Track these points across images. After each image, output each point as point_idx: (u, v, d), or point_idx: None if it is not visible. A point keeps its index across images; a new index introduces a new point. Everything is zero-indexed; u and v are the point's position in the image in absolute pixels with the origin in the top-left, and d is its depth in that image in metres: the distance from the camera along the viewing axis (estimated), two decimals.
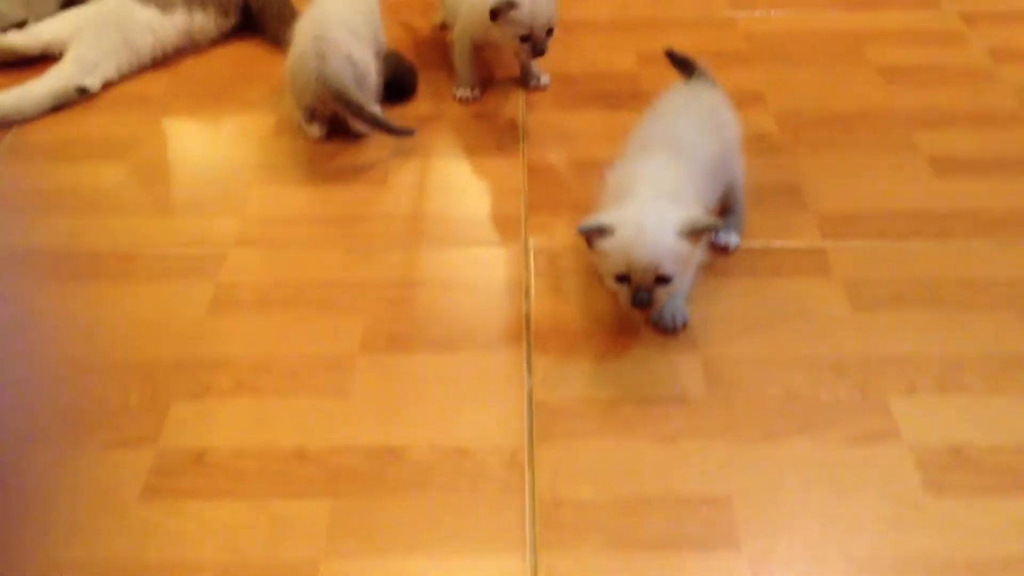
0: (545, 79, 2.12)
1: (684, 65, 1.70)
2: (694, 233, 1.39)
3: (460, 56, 2.07)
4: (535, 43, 1.96)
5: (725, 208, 1.67)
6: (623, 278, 1.41)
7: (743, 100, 1.77)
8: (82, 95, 2.06)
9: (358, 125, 1.93)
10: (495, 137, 1.95)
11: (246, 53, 2.24)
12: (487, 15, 1.92)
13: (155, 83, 2.13)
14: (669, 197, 1.44)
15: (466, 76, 2.08)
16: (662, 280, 1.40)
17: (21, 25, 2.19)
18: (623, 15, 2.36)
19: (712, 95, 1.67)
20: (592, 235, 1.41)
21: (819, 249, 1.66)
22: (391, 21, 2.10)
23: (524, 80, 2.12)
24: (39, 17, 2.21)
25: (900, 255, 1.64)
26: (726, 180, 1.64)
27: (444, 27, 2.31)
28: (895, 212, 1.73)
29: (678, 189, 1.47)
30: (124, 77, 2.13)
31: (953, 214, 1.73)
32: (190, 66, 2.19)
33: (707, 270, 1.57)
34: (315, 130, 1.95)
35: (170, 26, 2.18)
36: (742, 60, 2.19)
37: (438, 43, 2.27)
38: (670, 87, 1.69)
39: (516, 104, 2.06)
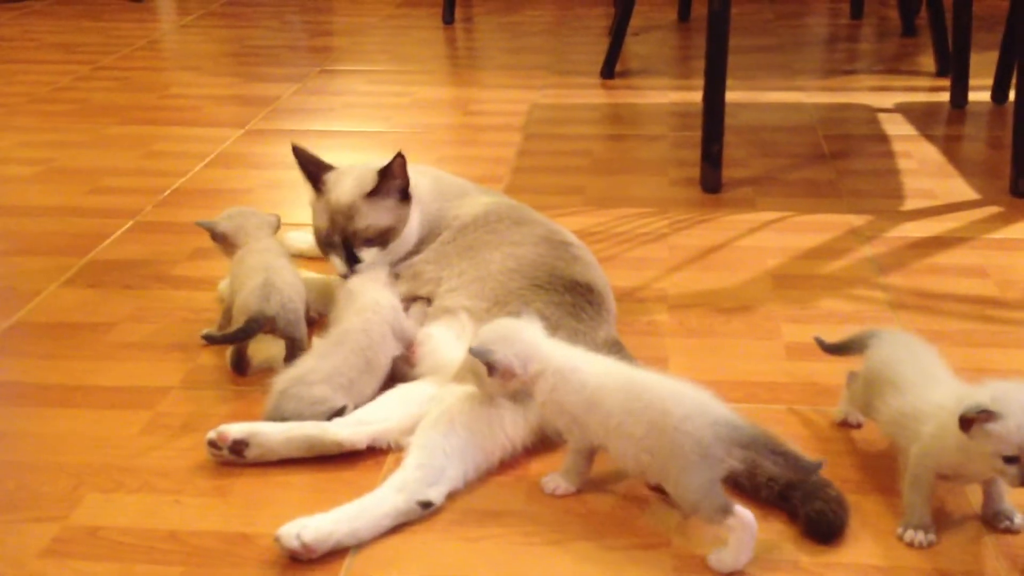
0: (1019, 519, 1.60)
1: None
2: None
3: (916, 488, 1.58)
4: None
5: None
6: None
7: None
8: (425, 510, 1.64)
9: None
10: None
11: None
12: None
13: (507, 497, 1.70)
14: None
15: (920, 514, 1.58)
16: None
17: (341, 412, 1.82)
18: None
19: None
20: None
21: None
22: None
23: (990, 518, 1.61)
24: (359, 402, 1.85)
25: None
26: None
27: (846, 424, 1.86)
28: None
29: None
30: (469, 485, 1.71)
31: None
32: (543, 470, 1.76)
33: None
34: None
35: (522, 420, 1.77)
36: None
37: (845, 443, 1.80)
38: None
39: (989, 560, 1.54)
